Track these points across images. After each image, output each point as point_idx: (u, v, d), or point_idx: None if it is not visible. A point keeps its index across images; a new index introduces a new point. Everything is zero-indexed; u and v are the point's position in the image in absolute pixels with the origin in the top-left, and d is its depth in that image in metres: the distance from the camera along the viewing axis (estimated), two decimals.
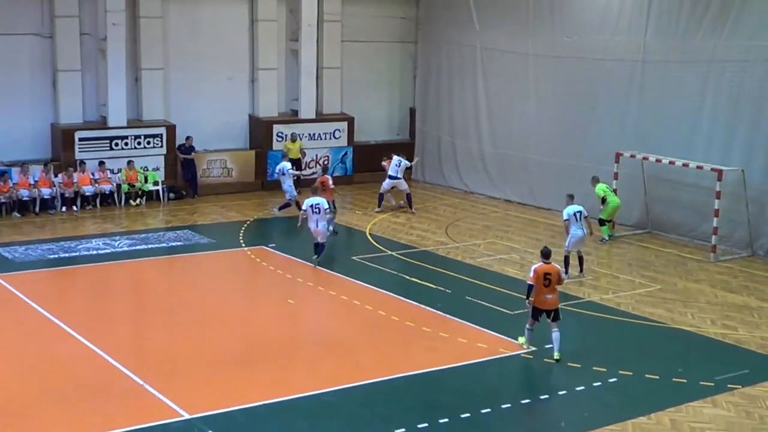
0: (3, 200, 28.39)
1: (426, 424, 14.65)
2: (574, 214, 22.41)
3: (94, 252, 24.53)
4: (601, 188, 26.41)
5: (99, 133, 30.46)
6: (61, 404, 15.19)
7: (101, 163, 29.96)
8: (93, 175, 29.75)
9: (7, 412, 14.87)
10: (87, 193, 29.46)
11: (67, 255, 24.24)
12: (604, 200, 26.32)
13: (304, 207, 23.68)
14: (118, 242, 25.55)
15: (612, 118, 28.68)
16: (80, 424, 14.46)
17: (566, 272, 22.17)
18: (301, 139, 32.99)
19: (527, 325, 17.77)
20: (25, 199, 28.66)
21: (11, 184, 28.54)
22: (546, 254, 17.65)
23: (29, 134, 30.27)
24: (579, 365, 17.12)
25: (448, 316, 19.71)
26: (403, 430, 14.40)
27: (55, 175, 29.23)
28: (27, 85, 30.21)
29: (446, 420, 14.84)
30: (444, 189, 33.80)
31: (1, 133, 29.54)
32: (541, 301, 17.38)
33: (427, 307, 20.36)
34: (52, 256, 24.10)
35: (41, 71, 30.32)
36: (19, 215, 28.33)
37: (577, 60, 29.60)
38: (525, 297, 17.64)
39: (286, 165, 29.30)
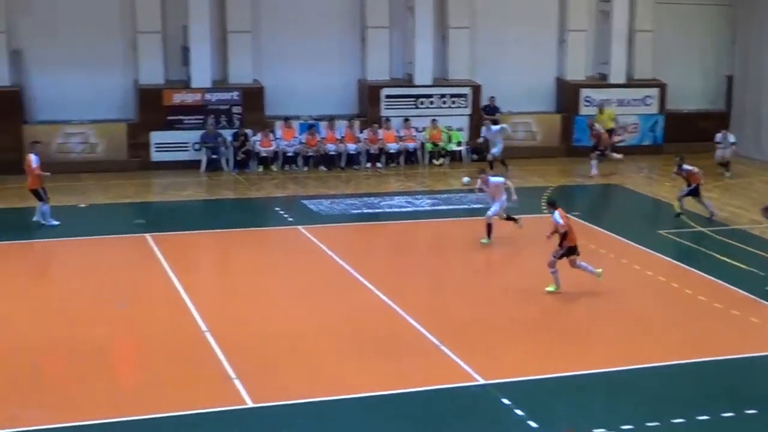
0: (310, 153, 29.20)
1: (732, 414, 13.79)
2: None
3: (396, 209, 24.80)
4: None
5: (405, 91, 30.79)
6: (357, 358, 15.39)
7: (406, 121, 30.23)
8: (398, 132, 30.07)
9: (306, 361, 15.23)
10: (391, 150, 29.81)
11: (369, 211, 24.65)
12: None
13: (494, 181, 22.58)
14: (420, 201, 25.70)
15: None
16: (375, 379, 14.53)
17: None
18: (610, 108, 31.87)
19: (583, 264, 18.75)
20: (331, 153, 29.35)
21: (318, 138, 29.29)
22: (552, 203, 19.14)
23: (337, 90, 31.02)
24: None
25: (761, 300, 18.45)
26: (707, 417, 13.65)
27: (360, 131, 29.74)
28: (336, 42, 30.96)
29: (754, 411, 13.90)
30: (762, 163, 31.85)
31: (310, 88, 30.39)
32: (573, 239, 18.65)
33: (738, 289, 19.14)
34: (355, 211, 24.57)
35: (351, 28, 30.95)
36: (325, 169, 29.07)
37: None
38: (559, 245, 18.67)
39: (507, 126, 29.77)
